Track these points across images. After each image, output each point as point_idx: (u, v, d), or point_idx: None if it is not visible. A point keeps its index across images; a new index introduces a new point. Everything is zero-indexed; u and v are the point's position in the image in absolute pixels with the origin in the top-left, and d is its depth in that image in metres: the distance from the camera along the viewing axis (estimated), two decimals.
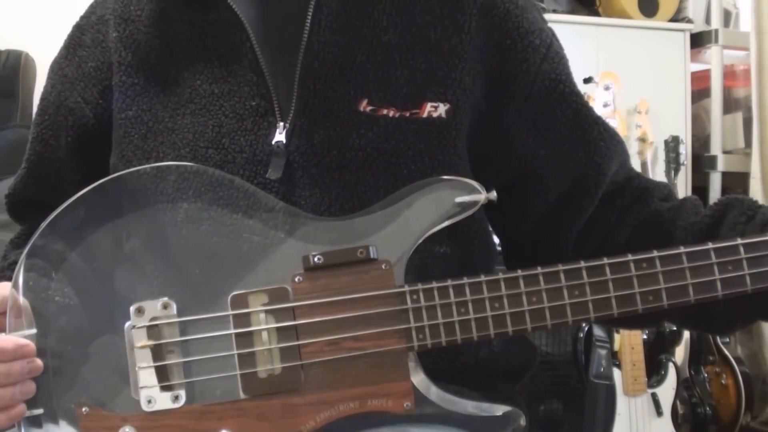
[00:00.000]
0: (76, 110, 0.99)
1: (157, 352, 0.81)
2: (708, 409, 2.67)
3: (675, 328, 2.70)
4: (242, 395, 0.81)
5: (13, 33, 2.69)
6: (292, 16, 0.94)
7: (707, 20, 3.11)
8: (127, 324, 0.82)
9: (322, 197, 0.90)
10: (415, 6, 0.95)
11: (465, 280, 0.81)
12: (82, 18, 1.05)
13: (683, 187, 2.91)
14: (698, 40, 3.01)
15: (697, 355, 2.69)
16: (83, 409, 0.81)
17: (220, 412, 0.80)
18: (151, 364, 0.81)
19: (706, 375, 2.73)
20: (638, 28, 2.94)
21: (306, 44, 0.92)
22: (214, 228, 0.83)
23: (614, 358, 2.45)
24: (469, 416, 0.82)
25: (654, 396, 2.53)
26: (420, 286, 0.82)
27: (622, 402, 2.46)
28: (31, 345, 0.80)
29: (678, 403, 2.57)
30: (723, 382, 2.72)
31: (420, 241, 0.84)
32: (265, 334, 0.81)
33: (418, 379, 0.82)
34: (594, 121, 1.01)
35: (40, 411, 0.80)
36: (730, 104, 3.09)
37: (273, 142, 0.91)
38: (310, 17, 0.92)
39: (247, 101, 0.92)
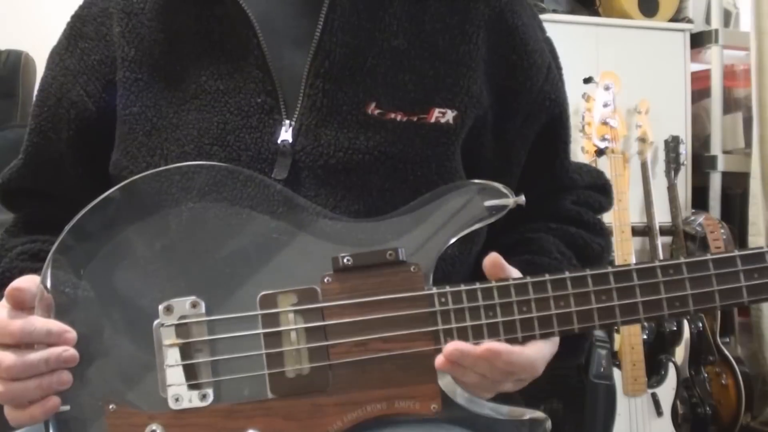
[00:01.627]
0: (79, 103, 0.98)
1: (186, 351, 0.81)
2: (708, 409, 2.67)
3: (675, 328, 2.70)
4: (270, 395, 0.81)
5: (13, 33, 2.69)
6: (303, 13, 0.94)
7: (707, 20, 3.11)
8: (156, 322, 0.81)
9: (327, 198, 0.90)
10: (425, 13, 0.96)
11: (493, 284, 0.81)
12: (81, 8, 1.02)
13: (683, 187, 2.91)
14: (698, 40, 3.01)
15: (697, 355, 2.69)
16: (110, 407, 0.80)
17: (247, 411, 0.80)
18: (179, 362, 0.81)
19: (706, 375, 2.73)
20: (638, 28, 2.94)
21: (318, 43, 0.92)
22: (243, 228, 0.83)
23: (614, 358, 2.45)
24: (495, 420, 0.82)
25: (654, 396, 2.53)
26: (448, 289, 0.82)
27: (622, 402, 2.46)
28: (74, 333, 0.80)
29: (678, 403, 2.57)
30: (723, 382, 2.72)
31: (448, 244, 0.84)
32: (293, 334, 0.81)
33: (445, 381, 0.82)
34: (569, 151, 1.05)
35: (66, 408, 0.80)
36: (730, 104, 3.08)
37: (279, 141, 0.91)
38: (323, 16, 0.92)
39: (252, 98, 0.92)
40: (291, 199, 0.85)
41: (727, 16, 3.18)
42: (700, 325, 2.72)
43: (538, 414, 0.83)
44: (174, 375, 0.81)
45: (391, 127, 0.91)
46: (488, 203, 0.84)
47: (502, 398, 0.87)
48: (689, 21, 3.01)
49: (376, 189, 0.89)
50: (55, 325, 0.80)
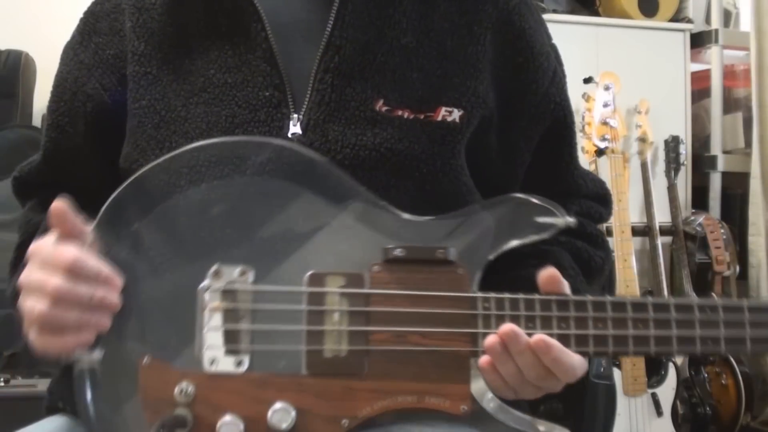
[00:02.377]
0: (95, 96, 0.98)
1: (228, 316, 0.82)
2: (708, 409, 2.67)
3: None
4: (304, 371, 0.81)
5: (13, 33, 2.70)
6: (313, 8, 0.95)
7: (707, 20, 3.11)
8: (203, 284, 0.82)
9: None
10: (434, 12, 0.96)
11: (536, 296, 0.83)
12: (94, 4, 1.03)
13: (683, 187, 2.91)
14: (698, 40, 3.01)
15: (697, 355, 2.69)
16: (145, 360, 0.81)
17: (280, 384, 0.81)
18: (221, 326, 0.82)
19: (706, 375, 2.73)
20: (638, 28, 2.94)
21: (329, 38, 0.92)
22: (301, 206, 0.84)
23: (614, 358, 2.45)
24: (518, 430, 0.83)
25: (654, 396, 2.53)
26: (492, 295, 0.83)
27: (622, 402, 2.46)
28: (120, 281, 0.81)
29: (678, 403, 2.57)
30: (723, 382, 2.72)
31: (497, 254, 0.85)
32: (336, 315, 0.82)
33: (477, 385, 0.83)
34: (576, 155, 1.06)
35: (100, 354, 0.80)
36: (730, 104, 3.09)
37: (290, 134, 0.91)
38: (335, 11, 0.93)
39: (260, 91, 0.92)
40: (352, 185, 0.86)
41: (727, 16, 3.18)
42: None
43: (560, 429, 0.84)
44: (213, 338, 0.81)
45: (398, 124, 0.92)
46: (540, 220, 0.85)
47: (511, 403, 0.87)
48: (689, 21, 3.01)
49: (382, 185, 0.89)
50: (105, 267, 0.80)
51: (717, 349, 0.83)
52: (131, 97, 0.96)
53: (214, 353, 0.81)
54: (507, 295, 0.83)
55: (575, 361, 0.81)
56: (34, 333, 0.79)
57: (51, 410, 0.98)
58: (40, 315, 0.77)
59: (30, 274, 0.80)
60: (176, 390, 0.80)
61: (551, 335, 0.81)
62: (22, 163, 1.06)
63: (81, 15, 1.04)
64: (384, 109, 0.92)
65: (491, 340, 0.80)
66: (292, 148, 0.86)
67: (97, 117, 0.98)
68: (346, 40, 0.92)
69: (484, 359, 0.81)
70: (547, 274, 0.84)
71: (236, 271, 0.82)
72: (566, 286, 0.84)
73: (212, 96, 0.93)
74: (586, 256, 1.01)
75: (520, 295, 0.83)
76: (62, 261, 0.78)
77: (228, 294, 0.82)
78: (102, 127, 0.98)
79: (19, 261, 0.91)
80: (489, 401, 0.83)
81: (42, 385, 1.94)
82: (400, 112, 0.92)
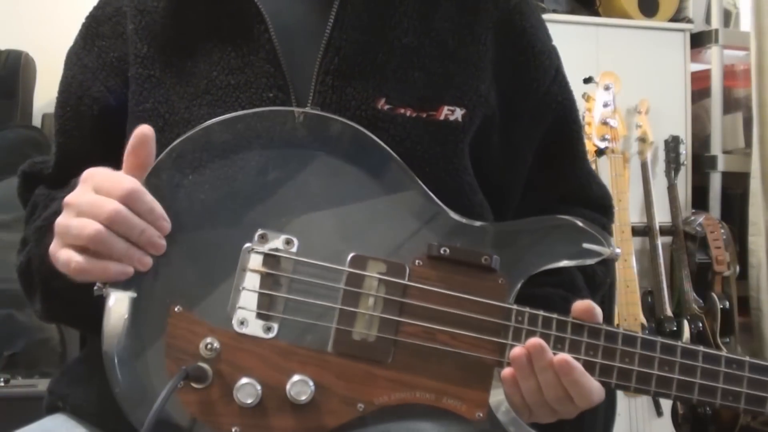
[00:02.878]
0: (101, 99, 0.98)
1: (266, 281, 0.82)
2: (708, 409, 2.67)
3: (675, 328, 2.70)
4: (330, 349, 0.82)
5: (13, 33, 2.69)
6: (314, 10, 0.95)
7: (707, 20, 3.11)
8: (247, 245, 0.83)
9: None
10: (435, 12, 0.96)
11: (569, 319, 0.83)
12: (96, 9, 1.03)
13: (683, 187, 2.91)
14: (698, 40, 3.01)
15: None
16: (176, 308, 0.81)
17: (304, 356, 0.82)
18: (257, 289, 0.82)
19: None
20: (638, 28, 2.94)
21: (328, 40, 0.93)
22: (355, 189, 0.85)
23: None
24: None
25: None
26: (527, 310, 0.84)
27: (622, 402, 2.46)
28: (170, 225, 0.81)
29: (678, 403, 2.57)
30: None
31: (537, 271, 0.86)
32: (371, 300, 0.83)
33: (497, 395, 0.84)
34: (583, 155, 1.06)
35: (133, 294, 0.81)
36: (730, 104, 3.08)
37: None
38: (334, 13, 0.93)
39: (264, 93, 0.92)
40: (409, 177, 0.87)
41: (727, 16, 3.18)
42: (701, 325, 2.72)
43: None
44: (247, 299, 0.82)
45: (400, 122, 0.92)
46: (586, 246, 0.86)
47: None
48: (689, 21, 3.01)
49: None
50: (159, 207, 0.80)
51: (736, 405, 0.84)
52: (134, 99, 0.96)
53: (246, 315, 0.82)
54: (542, 313, 0.83)
55: (594, 387, 0.82)
56: (76, 255, 0.78)
57: (51, 410, 0.97)
58: (93, 233, 0.77)
59: (81, 196, 0.80)
60: (202, 344, 0.81)
61: (577, 360, 0.82)
62: (34, 159, 1.05)
63: (81, 15, 1.04)
64: (386, 107, 0.92)
65: (518, 351, 0.81)
66: (357, 129, 0.87)
67: (104, 119, 0.98)
68: (346, 41, 0.93)
69: (507, 370, 0.82)
70: (583, 306, 0.84)
71: (282, 238, 0.83)
72: (599, 316, 0.85)
73: (216, 98, 0.93)
74: (590, 272, 1.02)
75: (554, 315, 0.83)
76: (122, 187, 0.78)
77: (270, 259, 0.83)
78: (109, 129, 0.98)
79: (33, 224, 0.92)
80: (504, 413, 0.84)
81: (42, 385, 1.94)
82: (402, 111, 0.93)
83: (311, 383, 0.81)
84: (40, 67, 2.68)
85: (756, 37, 2.87)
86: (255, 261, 0.83)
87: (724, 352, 0.84)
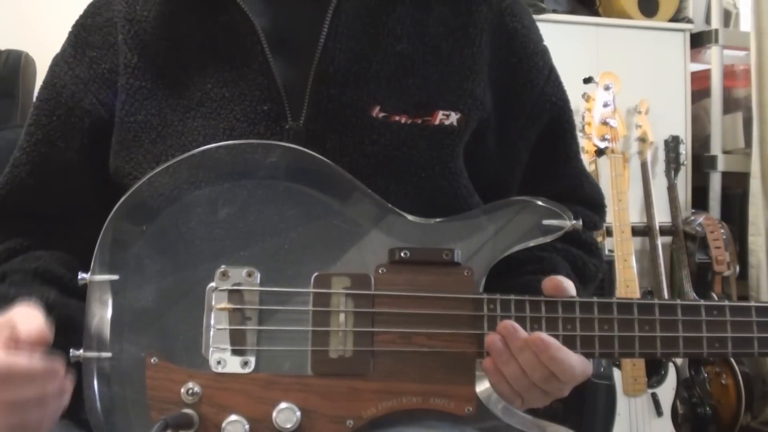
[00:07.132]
0: (92, 112, 0.97)
1: (235, 317, 0.83)
2: (708, 409, 2.67)
3: None
4: (310, 371, 0.82)
5: (13, 33, 2.69)
6: (307, 20, 0.94)
7: (707, 20, 3.11)
8: (210, 285, 0.83)
9: None
10: (429, 17, 0.96)
11: (541, 298, 0.83)
12: (84, 17, 1.02)
13: (683, 187, 2.91)
14: (698, 40, 3.01)
15: (703, 358, 2.69)
16: (152, 359, 0.82)
17: (285, 384, 0.82)
18: (227, 327, 0.82)
19: (706, 375, 2.73)
20: (638, 28, 2.94)
21: (322, 49, 0.92)
22: (307, 209, 0.85)
23: (614, 359, 2.45)
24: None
25: (654, 396, 2.53)
26: (498, 297, 0.83)
27: (622, 402, 2.46)
28: (61, 370, 0.77)
29: (678, 403, 2.57)
30: (723, 382, 2.72)
31: (503, 255, 0.86)
32: (342, 316, 0.83)
33: (483, 386, 0.83)
34: (576, 154, 1.06)
35: (108, 355, 0.81)
36: (730, 104, 3.08)
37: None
38: (328, 22, 0.93)
39: (258, 105, 0.92)
40: (357, 187, 0.86)
41: (727, 16, 3.18)
42: None
43: (564, 430, 0.84)
44: (220, 338, 0.82)
45: (395, 129, 0.92)
46: (546, 222, 0.86)
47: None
48: (689, 21, 3.01)
49: (382, 191, 0.89)
50: (37, 361, 0.75)
51: (724, 350, 0.83)
52: (124, 110, 0.95)
53: (221, 354, 0.82)
54: (513, 297, 0.83)
55: (573, 360, 0.81)
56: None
57: None
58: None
59: None
60: (183, 390, 0.81)
61: (557, 337, 0.81)
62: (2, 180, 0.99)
63: (81, 15, 1.03)
64: (381, 115, 0.92)
65: (491, 337, 0.81)
66: (299, 150, 0.86)
67: (95, 133, 0.97)
68: (339, 51, 0.93)
69: (487, 360, 0.82)
70: (552, 284, 0.84)
71: (243, 272, 0.83)
72: (571, 290, 0.84)
73: (209, 110, 0.93)
74: (581, 264, 1.01)
75: (526, 297, 0.83)
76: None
77: (235, 294, 0.83)
78: (98, 142, 0.97)
79: None
80: (495, 403, 0.84)
81: None
82: (397, 118, 0.92)
83: (297, 409, 0.81)
84: (40, 67, 2.68)
85: (756, 37, 2.87)
86: (220, 299, 0.83)
87: (702, 301, 0.84)
